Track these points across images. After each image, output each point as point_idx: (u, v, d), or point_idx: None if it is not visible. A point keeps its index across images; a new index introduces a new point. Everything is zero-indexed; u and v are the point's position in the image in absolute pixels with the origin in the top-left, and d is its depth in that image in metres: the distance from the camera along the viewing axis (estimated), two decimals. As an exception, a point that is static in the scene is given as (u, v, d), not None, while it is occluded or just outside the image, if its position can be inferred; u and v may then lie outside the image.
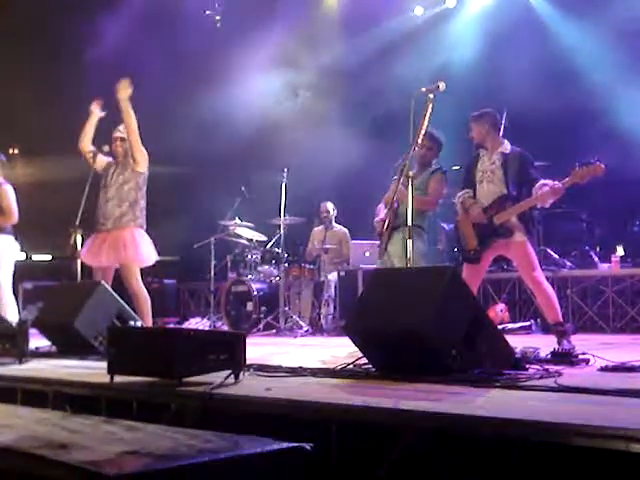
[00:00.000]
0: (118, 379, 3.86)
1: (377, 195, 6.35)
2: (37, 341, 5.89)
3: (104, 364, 3.98)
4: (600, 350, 4.70)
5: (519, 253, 5.38)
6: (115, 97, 6.57)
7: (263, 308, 9.07)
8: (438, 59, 10.21)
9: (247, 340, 3.91)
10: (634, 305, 8.05)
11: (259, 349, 5.95)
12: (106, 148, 6.76)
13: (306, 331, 8.71)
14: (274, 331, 8.86)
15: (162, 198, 8.65)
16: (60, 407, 3.81)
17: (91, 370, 4.52)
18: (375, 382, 3.73)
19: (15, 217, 7.21)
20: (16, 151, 12.05)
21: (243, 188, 9.81)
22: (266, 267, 9.58)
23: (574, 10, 9.70)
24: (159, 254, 6.84)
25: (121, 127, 6.71)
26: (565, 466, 2.37)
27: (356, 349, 4.14)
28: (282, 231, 9.21)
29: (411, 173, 4.93)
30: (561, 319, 5.29)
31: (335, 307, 8.79)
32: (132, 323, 5.68)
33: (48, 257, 11.26)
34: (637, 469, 2.22)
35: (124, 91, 6.55)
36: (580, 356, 4.40)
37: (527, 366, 3.87)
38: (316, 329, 8.79)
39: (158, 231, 7.02)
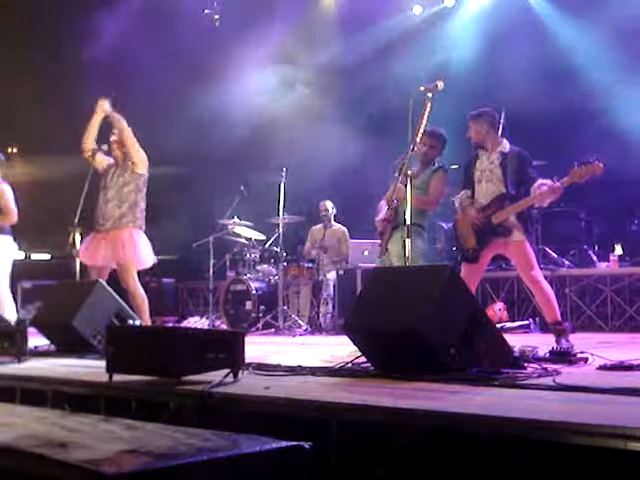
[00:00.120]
0: (117, 378, 3.86)
1: (376, 194, 6.34)
2: (36, 340, 5.89)
3: (103, 363, 3.98)
4: (598, 349, 4.71)
5: (517, 252, 5.38)
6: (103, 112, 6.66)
7: (262, 307, 9.07)
8: (437, 58, 10.21)
9: (246, 339, 3.92)
10: (632, 304, 8.05)
11: (258, 348, 5.95)
12: (105, 147, 6.77)
13: (305, 330, 8.71)
14: (273, 330, 8.85)
15: (161, 197, 8.66)
16: (59, 406, 3.81)
17: (90, 369, 4.52)
18: (374, 381, 3.73)
19: (14, 217, 7.21)
20: (15, 150, 12.05)
21: (242, 187, 9.80)
22: (265, 266, 9.58)
23: (572, 9, 9.70)
24: (158, 253, 6.85)
25: (115, 131, 6.73)
26: (563, 464, 2.37)
27: (355, 348, 4.14)
28: (281, 230, 9.21)
29: (410, 172, 4.93)
30: (559, 318, 5.29)
31: (334, 306, 8.79)
32: (131, 322, 5.68)
33: (47, 256, 11.27)
34: (635, 467, 2.23)
35: (101, 109, 6.66)
36: (578, 355, 4.40)
37: (525, 365, 3.87)
38: (315, 328, 8.79)
39: (157, 230, 7.03)
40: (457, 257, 5.90)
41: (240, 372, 3.78)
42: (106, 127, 6.84)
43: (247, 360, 3.95)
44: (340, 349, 5.30)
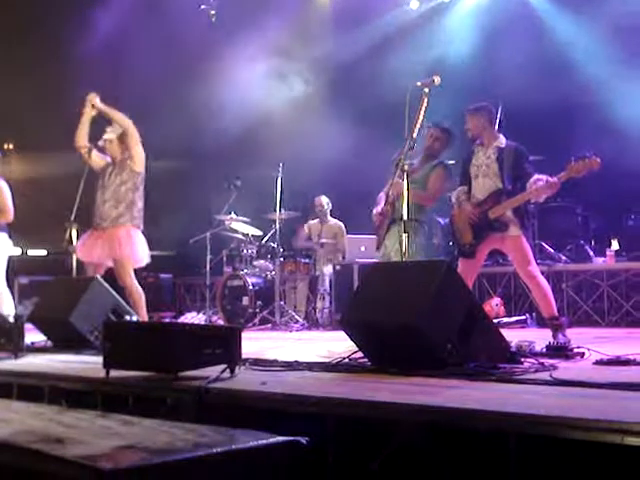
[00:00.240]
0: (114, 374, 3.86)
1: (372, 189, 6.33)
2: (33, 336, 5.88)
3: (100, 359, 3.98)
4: (595, 344, 4.72)
5: (514, 247, 5.38)
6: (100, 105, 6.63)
7: (259, 302, 9.07)
8: (433, 53, 10.19)
9: (243, 334, 3.91)
10: (629, 299, 8.07)
11: (255, 343, 5.95)
12: (101, 142, 6.73)
13: (302, 325, 8.71)
14: (270, 325, 8.85)
15: (158, 193, 8.63)
16: (56, 402, 3.81)
17: (87, 365, 4.52)
18: (371, 376, 3.74)
19: (11, 214, 7.19)
20: (11, 147, 12.02)
21: (238, 182, 9.78)
22: (262, 261, 9.58)
23: (569, 4, 9.70)
24: (155, 249, 6.83)
25: (108, 129, 6.69)
26: (560, 459, 2.38)
27: (352, 343, 4.14)
28: (277, 226, 9.22)
29: (407, 167, 4.92)
30: (556, 313, 5.29)
31: (331, 301, 8.79)
32: (128, 318, 5.68)
33: (43, 252, 11.24)
34: (632, 462, 2.23)
35: (91, 105, 6.62)
36: (575, 350, 4.41)
37: (522, 360, 3.88)
38: (312, 323, 8.79)
39: (154, 226, 7.01)
40: (454, 252, 5.90)
41: (237, 367, 3.77)
42: (101, 122, 6.81)
43: (244, 355, 3.95)
44: (337, 344, 5.30)
